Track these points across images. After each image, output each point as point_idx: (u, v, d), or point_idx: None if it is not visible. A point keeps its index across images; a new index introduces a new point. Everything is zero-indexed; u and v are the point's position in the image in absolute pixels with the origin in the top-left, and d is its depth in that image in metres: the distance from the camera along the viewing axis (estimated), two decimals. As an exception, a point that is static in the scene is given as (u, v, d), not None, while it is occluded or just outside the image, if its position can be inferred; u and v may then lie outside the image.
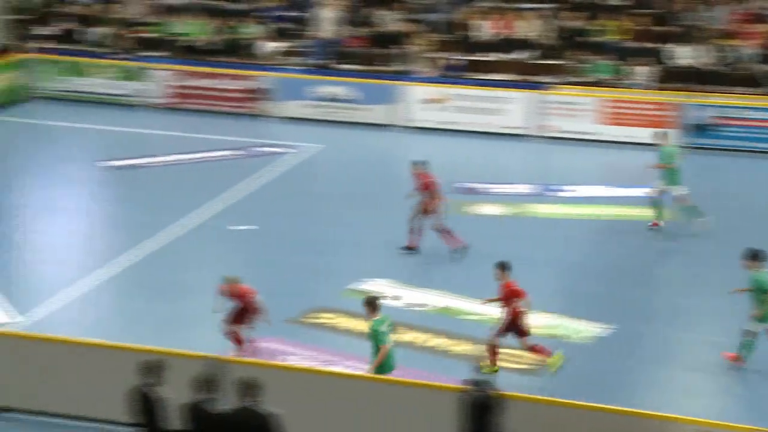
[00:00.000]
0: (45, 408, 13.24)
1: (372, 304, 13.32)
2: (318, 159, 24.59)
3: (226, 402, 11.39)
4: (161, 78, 27.97)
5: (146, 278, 17.42)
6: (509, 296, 14.21)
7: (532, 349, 14.41)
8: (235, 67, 28.40)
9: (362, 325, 16.07)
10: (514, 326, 14.28)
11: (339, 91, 27.32)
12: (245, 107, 27.62)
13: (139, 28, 30.46)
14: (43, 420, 13.20)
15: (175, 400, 11.07)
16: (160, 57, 29.28)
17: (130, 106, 27.93)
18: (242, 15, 30.02)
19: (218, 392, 11.23)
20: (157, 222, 19.83)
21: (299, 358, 14.94)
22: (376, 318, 13.26)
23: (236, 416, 10.78)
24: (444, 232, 18.43)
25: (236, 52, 29.37)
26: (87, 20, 30.40)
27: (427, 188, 18.28)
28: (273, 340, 15.53)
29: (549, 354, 14.43)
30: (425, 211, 18.36)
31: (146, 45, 29.87)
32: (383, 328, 13.21)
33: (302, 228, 20.09)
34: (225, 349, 14.16)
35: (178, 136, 26.15)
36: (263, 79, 27.60)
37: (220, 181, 22.47)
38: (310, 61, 28.74)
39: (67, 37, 30.22)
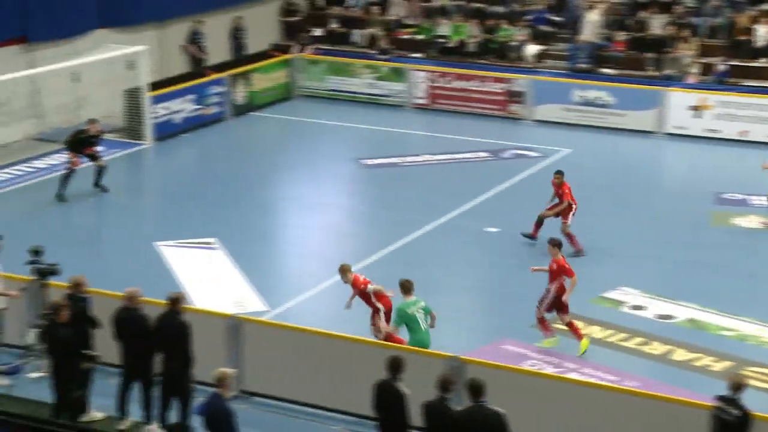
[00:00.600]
0: (289, 395, 13.72)
1: (403, 286, 14.07)
2: (565, 163, 24.26)
3: (457, 401, 11.47)
4: (420, 79, 28.41)
5: (392, 275, 17.64)
6: (559, 273, 15.20)
7: (569, 325, 15.29)
8: (492, 70, 28.49)
9: (608, 335, 15.81)
10: (558, 302, 15.19)
11: (594, 95, 26.89)
12: (500, 110, 27.65)
13: (401, 29, 31.09)
14: (287, 407, 13.67)
15: (414, 397, 11.22)
16: (419, 58, 29.76)
17: (389, 105, 28.54)
18: (503, 17, 30.07)
19: (455, 391, 11.32)
20: (407, 220, 20.16)
21: (539, 363, 14.82)
22: (407, 299, 13.95)
23: (471, 415, 10.82)
24: (570, 236, 18.76)
25: (494, 54, 29.46)
26: (350, 22, 31.30)
27: (566, 197, 18.81)
28: (516, 344, 15.47)
29: (581, 336, 15.22)
30: (561, 215, 18.87)
31: (406, 46, 30.44)
32: (409, 310, 13.84)
33: (547, 231, 19.84)
34: (463, 349, 14.19)
35: (433, 137, 26.49)
36: (519, 81, 27.54)
37: (469, 182, 22.60)
38: (570, 65, 28.43)
39: (331, 38, 31.24)
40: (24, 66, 24.37)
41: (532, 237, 19.10)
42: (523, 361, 14.81)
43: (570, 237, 18.79)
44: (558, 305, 15.35)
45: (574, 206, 18.90)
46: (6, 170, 22.69)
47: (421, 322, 14.01)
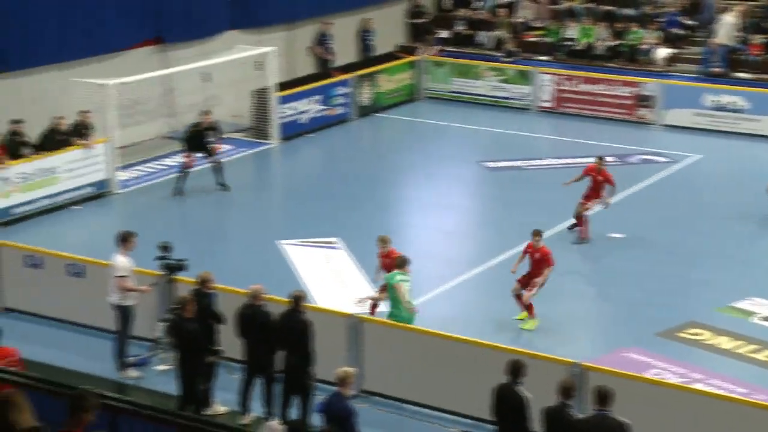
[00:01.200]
0: (408, 396, 13.73)
1: (402, 260, 14.73)
2: (695, 168, 23.78)
3: (579, 408, 11.31)
4: (546, 82, 28.16)
5: (510, 278, 17.56)
6: (544, 261, 15.92)
7: (529, 307, 15.87)
8: (620, 73, 28.05)
9: (737, 347, 15.41)
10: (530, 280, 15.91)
11: (727, 100, 26.24)
12: (627, 114, 27.21)
13: (528, 32, 30.88)
14: (406, 407, 13.69)
15: (535, 403, 11.12)
16: (546, 61, 29.51)
17: (513, 108, 28.37)
18: (633, 20, 29.58)
19: (575, 398, 11.17)
20: (529, 224, 19.92)
21: (662, 372, 14.52)
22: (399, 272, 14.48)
23: (594, 423, 10.66)
24: (584, 221, 19.11)
25: (623, 57, 29.01)
26: (477, 24, 31.21)
27: (607, 182, 19.23)
28: (640, 352, 15.21)
29: (533, 316, 15.90)
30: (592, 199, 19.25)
31: (533, 49, 30.22)
32: (394, 279, 14.42)
33: (675, 238, 19.52)
34: (585, 357, 14.00)
35: (558, 140, 26.24)
36: (648, 85, 27.05)
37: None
38: (702, 68, 27.80)
39: (457, 40, 31.20)
40: (158, 66, 25.02)
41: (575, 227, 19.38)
42: (647, 369, 14.54)
43: (583, 221, 19.04)
44: (529, 283, 15.91)
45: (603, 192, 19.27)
46: (138, 168, 23.31)
47: (402, 297, 14.33)
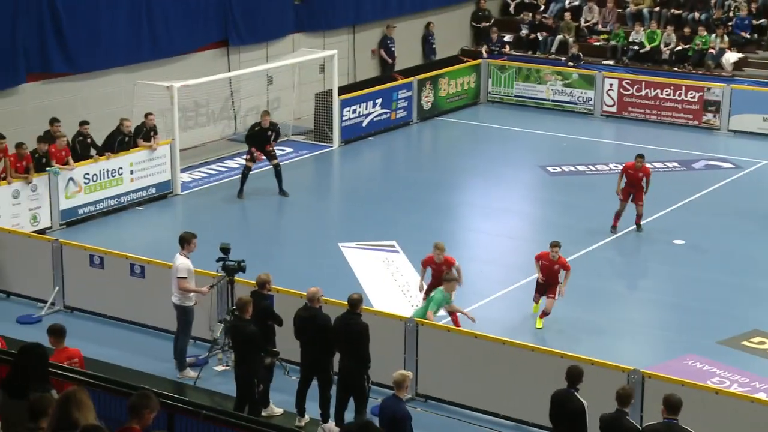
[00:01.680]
0: (463, 401, 13.67)
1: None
2: (761, 175, 23.40)
3: (635, 416, 11.17)
4: (608, 86, 27.91)
5: (570, 283, 17.42)
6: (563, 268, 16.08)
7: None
8: (686, 78, 27.71)
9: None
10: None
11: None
12: (693, 119, 26.86)
13: (593, 36, 30.64)
14: (460, 411, 13.63)
15: (593, 410, 11.01)
16: (610, 65, 29.25)
17: (576, 113, 28.16)
18: (701, 24, 29.21)
19: (633, 405, 11.04)
20: (591, 229, 19.82)
21: (724, 380, 14.31)
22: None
23: (659, 431, 10.52)
24: (619, 215, 19.62)
25: (690, 62, 28.66)
26: (541, 28, 31.04)
27: (646, 179, 19.42)
28: (701, 359, 15.00)
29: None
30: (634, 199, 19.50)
31: (598, 53, 29.97)
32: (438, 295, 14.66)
33: (738, 246, 19.23)
34: (645, 363, 13.84)
35: (621, 145, 25.97)
36: (715, 90, 26.69)
37: (658, 192, 22.01)
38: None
39: (521, 43, 31.06)
40: (223, 69, 25.25)
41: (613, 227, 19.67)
42: (708, 378, 14.33)
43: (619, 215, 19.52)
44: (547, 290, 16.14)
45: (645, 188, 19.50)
46: (201, 169, 23.53)
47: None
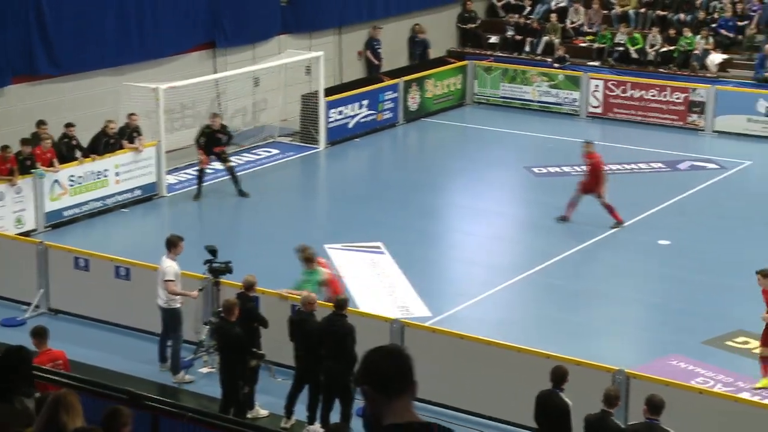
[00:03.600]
0: (449, 402, 13.68)
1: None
2: (745, 175, 23.50)
3: (621, 416, 11.20)
4: (593, 87, 27.98)
5: (555, 284, 17.52)
6: None
7: None
8: (672, 79, 27.82)
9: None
10: None
11: (778, 105, 25.95)
12: (677, 120, 26.95)
13: (579, 37, 30.72)
14: (446, 412, 13.62)
15: (576, 409, 11.04)
16: (596, 66, 29.33)
17: (562, 114, 28.22)
18: (686, 25, 29.31)
19: (619, 406, 11.08)
20: (576, 230, 19.87)
21: (709, 380, 14.37)
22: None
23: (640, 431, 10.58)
24: (608, 207, 19.64)
25: (675, 63, 28.76)
26: (527, 30, 31.09)
27: (594, 168, 19.56)
28: (686, 360, 15.06)
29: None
30: (585, 189, 19.78)
31: (583, 54, 30.05)
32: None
33: (723, 246, 19.31)
34: (629, 363, 13.89)
35: (607, 146, 25.99)
36: (700, 91, 26.78)
37: (643, 193, 22.13)
38: (756, 74, 27.44)
39: (507, 45, 31.11)
40: (209, 70, 25.22)
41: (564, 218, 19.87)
42: (692, 378, 14.39)
43: (609, 208, 19.63)
44: None
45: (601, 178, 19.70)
46: (187, 171, 23.49)
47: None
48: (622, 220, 19.78)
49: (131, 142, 21.25)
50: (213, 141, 21.62)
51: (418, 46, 30.41)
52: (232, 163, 22.08)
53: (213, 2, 25.21)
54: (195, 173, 22.26)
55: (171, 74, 23.90)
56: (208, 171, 21.93)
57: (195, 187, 21.80)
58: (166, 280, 14.28)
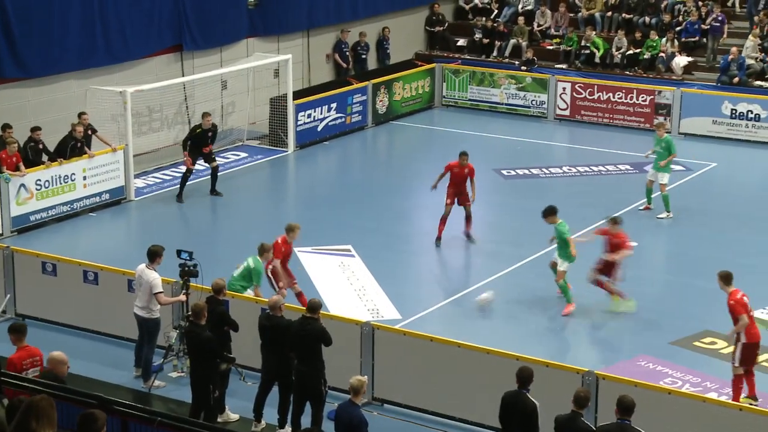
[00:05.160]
0: (419, 404, 13.70)
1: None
2: (711, 177, 23.72)
3: (590, 416, 11.24)
4: (561, 90, 28.13)
5: (523, 286, 17.58)
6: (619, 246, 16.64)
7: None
8: (637, 81, 28.01)
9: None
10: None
11: (746, 108, 26.16)
12: (644, 122, 27.13)
13: (546, 40, 30.87)
14: (417, 415, 13.67)
15: (546, 410, 11.08)
16: (563, 69, 29.49)
17: (530, 116, 28.34)
18: (651, 28, 29.51)
19: (588, 407, 11.13)
20: (545, 231, 19.92)
21: (677, 381, 14.47)
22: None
23: None
24: (445, 219, 19.49)
25: (641, 65, 28.96)
26: (495, 33, 31.20)
27: (471, 178, 19.27)
28: (655, 360, 15.16)
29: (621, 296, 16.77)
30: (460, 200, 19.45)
31: (549, 57, 30.21)
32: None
33: (689, 247, 19.47)
34: (599, 364, 13.97)
35: (575, 148, 26.20)
36: (666, 94, 26.98)
37: (610, 195, 22.27)
38: (721, 77, 27.68)
39: (475, 48, 31.22)
40: (177, 74, 25.13)
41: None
42: (661, 378, 14.50)
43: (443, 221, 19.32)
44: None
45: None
46: (155, 175, 23.41)
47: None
48: (439, 237, 19.39)
49: (88, 143, 21.09)
50: (203, 141, 21.61)
51: (385, 49, 30.47)
52: (217, 163, 22.10)
53: (179, 5, 25.11)
54: (178, 175, 22.36)
55: (138, 77, 23.79)
56: (190, 171, 21.82)
57: (179, 189, 21.83)
58: (156, 293, 14.14)
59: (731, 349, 14.12)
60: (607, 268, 16.77)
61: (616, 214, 17.54)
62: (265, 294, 15.20)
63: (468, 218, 19.30)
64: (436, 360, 13.63)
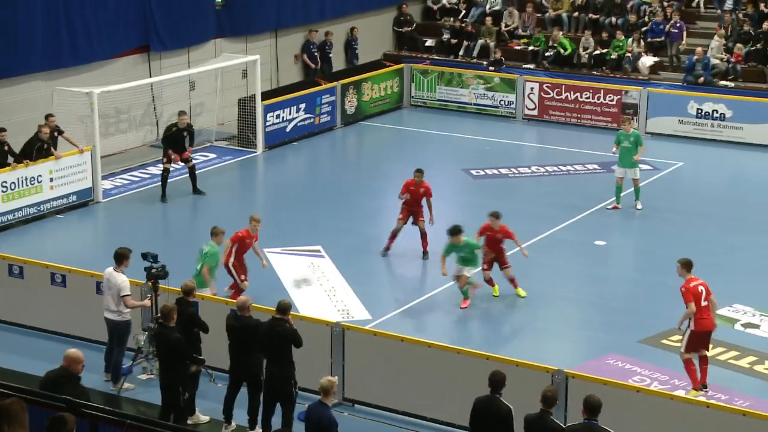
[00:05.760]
0: (391, 404, 13.72)
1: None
2: (677, 176, 23.89)
3: (560, 416, 11.29)
4: (529, 90, 28.23)
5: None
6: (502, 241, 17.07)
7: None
8: (605, 81, 28.16)
9: (719, 353, 15.45)
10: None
11: (711, 108, 26.38)
12: (611, 121, 27.28)
13: (514, 41, 30.98)
14: (388, 415, 13.68)
15: (518, 411, 11.12)
16: (531, 69, 29.61)
17: (499, 116, 28.43)
18: (618, 29, 29.67)
19: (557, 406, 11.18)
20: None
21: (646, 379, 14.57)
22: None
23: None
24: (395, 234, 19.12)
25: (608, 65, 29.13)
26: (463, 33, 31.26)
27: (427, 198, 18.92)
28: (623, 359, 15.25)
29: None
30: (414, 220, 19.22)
31: (516, 57, 30.31)
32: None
33: (656, 246, 19.60)
34: (568, 363, 14.03)
35: (543, 148, 26.31)
36: (632, 93, 27.16)
37: (579, 194, 22.38)
38: (687, 77, 27.88)
39: (443, 48, 31.28)
40: (144, 74, 25.01)
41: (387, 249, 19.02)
42: (630, 376, 14.58)
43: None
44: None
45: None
46: (122, 176, 23.29)
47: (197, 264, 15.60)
48: (388, 248, 19.03)
49: (55, 144, 20.96)
50: (179, 140, 21.58)
51: (353, 49, 30.47)
52: (193, 163, 22.15)
53: (145, 6, 24.99)
54: (146, 176, 22.29)
55: (105, 78, 23.66)
56: (168, 171, 21.78)
57: (161, 190, 21.81)
58: (123, 296, 14.08)
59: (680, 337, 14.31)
60: (492, 262, 17.11)
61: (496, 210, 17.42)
62: (221, 282, 15.21)
63: (423, 236, 18.95)
64: (406, 360, 13.64)
